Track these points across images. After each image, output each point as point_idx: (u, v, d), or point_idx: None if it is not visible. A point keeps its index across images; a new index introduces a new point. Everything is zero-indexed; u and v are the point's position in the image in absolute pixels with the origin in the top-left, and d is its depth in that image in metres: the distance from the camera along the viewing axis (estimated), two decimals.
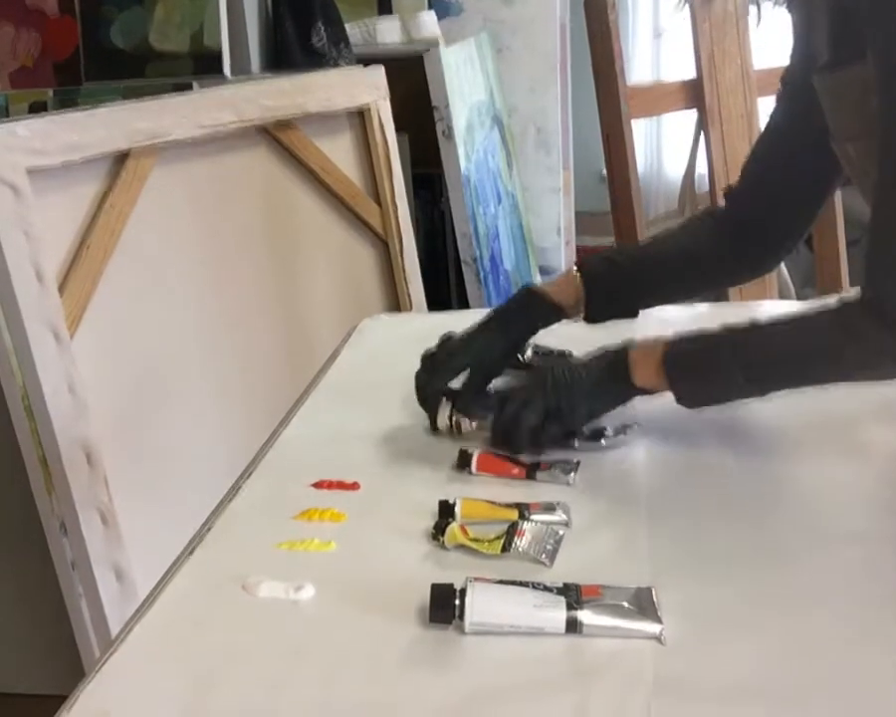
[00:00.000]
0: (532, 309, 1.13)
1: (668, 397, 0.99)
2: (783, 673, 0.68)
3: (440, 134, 2.30)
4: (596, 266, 1.15)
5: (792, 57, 1.06)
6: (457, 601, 0.73)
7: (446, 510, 0.89)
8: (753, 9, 0.99)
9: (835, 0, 0.91)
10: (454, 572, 0.78)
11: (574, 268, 1.15)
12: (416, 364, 1.10)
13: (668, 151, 4.28)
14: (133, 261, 1.63)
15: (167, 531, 1.11)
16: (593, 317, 1.15)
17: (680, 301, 1.29)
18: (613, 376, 1.01)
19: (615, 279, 1.14)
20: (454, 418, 1.05)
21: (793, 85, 1.05)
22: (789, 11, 1.00)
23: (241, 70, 2.41)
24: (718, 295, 1.70)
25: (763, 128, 1.15)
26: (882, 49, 0.84)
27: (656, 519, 0.88)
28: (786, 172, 1.08)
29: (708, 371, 0.98)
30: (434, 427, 1.07)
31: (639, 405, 1.08)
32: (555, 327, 1.14)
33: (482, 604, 0.73)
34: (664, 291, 1.18)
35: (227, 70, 2.35)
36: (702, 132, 2.54)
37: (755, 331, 0.96)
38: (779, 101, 1.09)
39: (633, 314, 1.16)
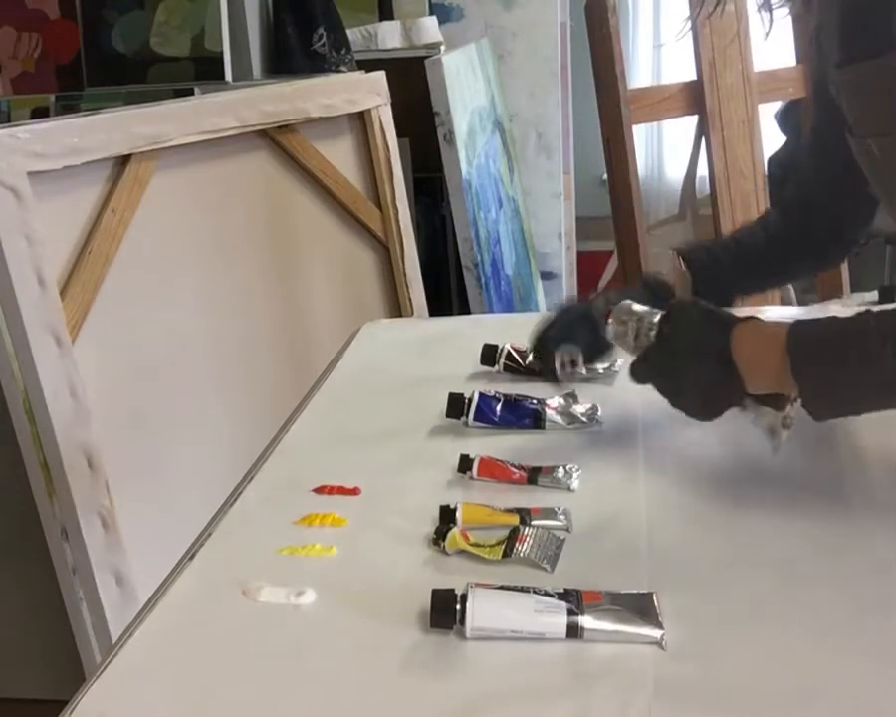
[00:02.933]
0: (653, 289, 1.10)
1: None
2: (784, 678, 0.68)
3: (441, 139, 2.30)
4: (699, 253, 1.13)
5: (812, 61, 1.04)
6: (458, 607, 0.73)
7: (447, 515, 0.89)
8: (758, 17, 0.98)
9: None
10: (455, 577, 0.78)
11: (674, 252, 1.12)
12: (417, 369, 1.10)
13: (669, 156, 4.28)
14: (135, 265, 1.63)
15: (168, 536, 1.11)
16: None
17: (758, 291, 1.25)
18: (723, 379, 0.88)
19: (715, 269, 1.13)
20: (567, 360, 1.07)
21: (819, 88, 1.04)
22: (797, 14, 0.99)
23: (242, 74, 2.42)
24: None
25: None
26: None
27: (657, 524, 0.88)
28: (841, 163, 1.01)
29: (849, 362, 0.81)
30: (549, 374, 1.08)
31: (640, 407, 1.09)
32: None
33: (483, 610, 0.73)
34: (748, 282, 1.16)
35: (228, 74, 2.35)
36: (703, 137, 2.55)
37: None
38: (816, 103, 1.08)
39: (728, 304, 1.09)
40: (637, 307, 0.98)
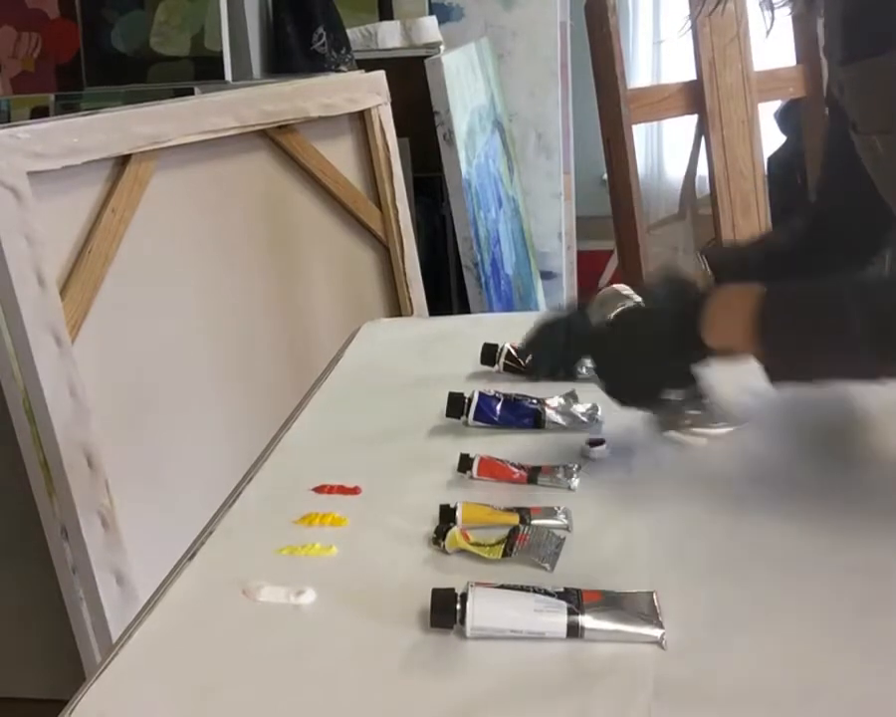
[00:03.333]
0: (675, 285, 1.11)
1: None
2: (784, 678, 0.68)
3: (441, 139, 2.30)
4: (727, 255, 1.13)
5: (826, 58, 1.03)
6: (458, 606, 0.73)
7: (447, 514, 0.89)
8: (758, 16, 0.97)
9: None
10: (455, 576, 0.78)
11: (700, 254, 1.12)
12: (417, 369, 1.10)
13: (669, 155, 4.29)
14: (134, 265, 1.63)
15: (168, 535, 1.11)
16: None
17: None
18: (680, 338, 0.88)
19: (741, 273, 1.13)
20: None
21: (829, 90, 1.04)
22: (798, 14, 0.98)
23: (242, 74, 2.42)
24: None
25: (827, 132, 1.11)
26: None
27: (657, 523, 0.88)
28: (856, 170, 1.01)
29: (818, 322, 0.80)
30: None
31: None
32: None
33: (483, 609, 0.73)
34: None
35: (228, 74, 2.35)
36: (703, 136, 2.55)
37: (875, 278, 0.85)
38: (828, 106, 1.07)
39: None
40: (627, 291, 0.98)
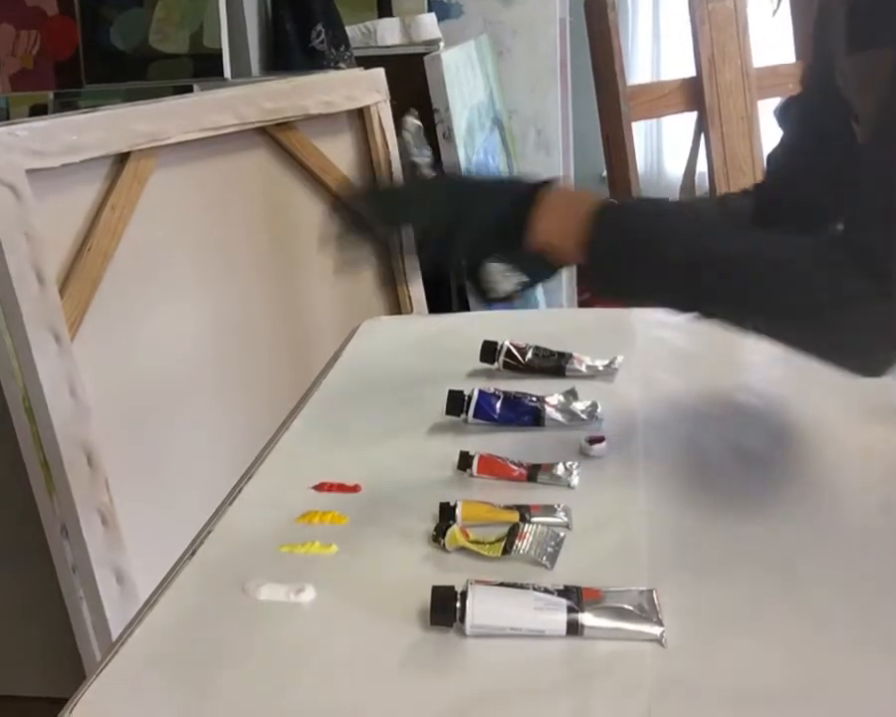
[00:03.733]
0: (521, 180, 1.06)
1: (667, 393, 0.95)
2: (784, 676, 0.68)
3: (440, 136, 2.30)
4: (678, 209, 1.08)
5: (809, 59, 1.01)
6: (458, 604, 0.73)
7: (447, 512, 0.89)
8: (757, 11, 0.96)
9: None
10: (455, 574, 0.78)
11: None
12: (417, 366, 1.09)
13: (668, 152, 4.29)
14: (134, 263, 1.63)
15: (168, 533, 1.11)
16: None
17: None
18: (511, 215, 0.86)
19: None
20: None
21: (819, 79, 1.02)
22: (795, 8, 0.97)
23: (241, 71, 2.42)
24: None
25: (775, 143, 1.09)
26: None
27: (657, 521, 0.88)
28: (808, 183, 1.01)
29: (645, 239, 0.82)
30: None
31: (640, 404, 1.09)
32: (554, 327, 1.12)
33: (483, 607, 0.73)
34: None
35: (227, 71, 2.35)
36: (702, 133, 2.55)
37: (717, 222, 0.85)
38: (814, 94, 1.05)
39: None
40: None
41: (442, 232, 0.90)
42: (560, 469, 0.96)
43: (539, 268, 0.93)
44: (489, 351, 1.23)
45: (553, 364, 1.20)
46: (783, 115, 1.07)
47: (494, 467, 0.97)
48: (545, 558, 0.82)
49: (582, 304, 3.26)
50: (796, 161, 1.03)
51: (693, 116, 2.56)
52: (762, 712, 0.65)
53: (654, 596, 0.75)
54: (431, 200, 0.91)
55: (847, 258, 0.78)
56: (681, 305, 0.85)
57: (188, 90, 2.17)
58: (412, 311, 2.13)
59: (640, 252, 0.81)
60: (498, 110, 2.89)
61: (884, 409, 1.06)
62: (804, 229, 1.02)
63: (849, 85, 0.92)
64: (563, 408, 1.08)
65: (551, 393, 1.10)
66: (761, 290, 0.80)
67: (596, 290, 0.84)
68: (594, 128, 2.48)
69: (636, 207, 0.85)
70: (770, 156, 1.11)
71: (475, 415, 1.08)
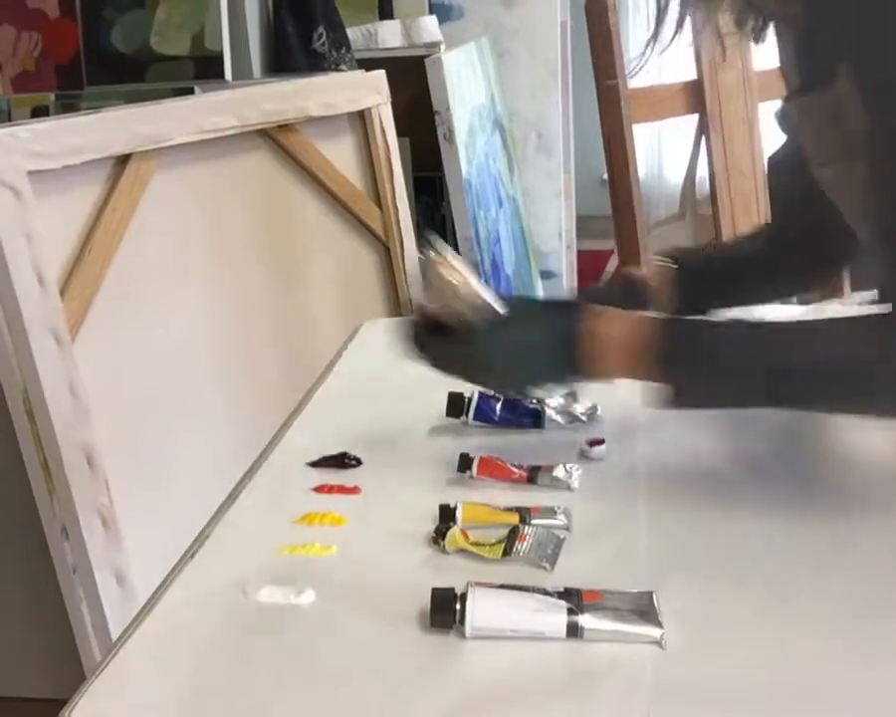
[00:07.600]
0: (628, 286, 1.10)
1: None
2: (784, 678, 0.68)
3: (441, 138, 2.31)
4: (692, 253, 1.13)
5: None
6: (458, 606, 0.73)
7: (447, 514, 0.89)
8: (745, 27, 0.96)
9: (803, 23, 0.87)
10: (455, 576, 0.78)
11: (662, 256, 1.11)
12: (417, 368, 1.09)
13: (669, 155, 4.29)
14: (135, 264, 1.63)
15: (168, 535, 1.11)
16: (682, 306, 1.07)
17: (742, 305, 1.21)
18: (559, 358, 0.90)
19: (706, 271, 1.13)
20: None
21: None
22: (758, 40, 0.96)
23: (242, 73, 2.42)
24: None
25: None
26: (869, 66, 0.79)
27: (657, 523, 0.88)
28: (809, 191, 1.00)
29: (714, 367, 0.86)
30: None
31: (640, 406, 1.08)
32: None
33: (483, 609, 0.73)
34: (726, 295, 1.14)
35: (228, 73, 2.35)
36: (703, 136, 2.55)
37: (769, 325, 0.87)
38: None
39: (702, 312, 1.09)
40: (462, 268, 0.95)
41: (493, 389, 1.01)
42: (560, 471, 0.96)
43: None
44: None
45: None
46: (784, 118, 1.07)
47: (494, 469, 0.97)
48: (545, 560, 0.82)
49: None
50: (798, 164, 1.03)
51: (694, 119, 2.56)
52: (762, 714, 0.65)
53: (654, 598, 0.75)
54: (474, 368, 0.96)
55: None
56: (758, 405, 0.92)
57: (189, 92, 2.17)
58: (412, 312, 2.13)
59: (713, 373, 0.87)
60: (499, 112, 2.89)
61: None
62: (819, 261, 1.08)
63: (799, 127, 0.93)
64: (564, 410, 1.08)
65: (550, 395, 1.10)
66: (833, 393, 0.85)
67: (672, 407, 0.88)
68: (595, 131, 2.48)
69: (689, 329, 0.89)
70: (771, 159, 1.11)
71: (475, 417, 1.08)
